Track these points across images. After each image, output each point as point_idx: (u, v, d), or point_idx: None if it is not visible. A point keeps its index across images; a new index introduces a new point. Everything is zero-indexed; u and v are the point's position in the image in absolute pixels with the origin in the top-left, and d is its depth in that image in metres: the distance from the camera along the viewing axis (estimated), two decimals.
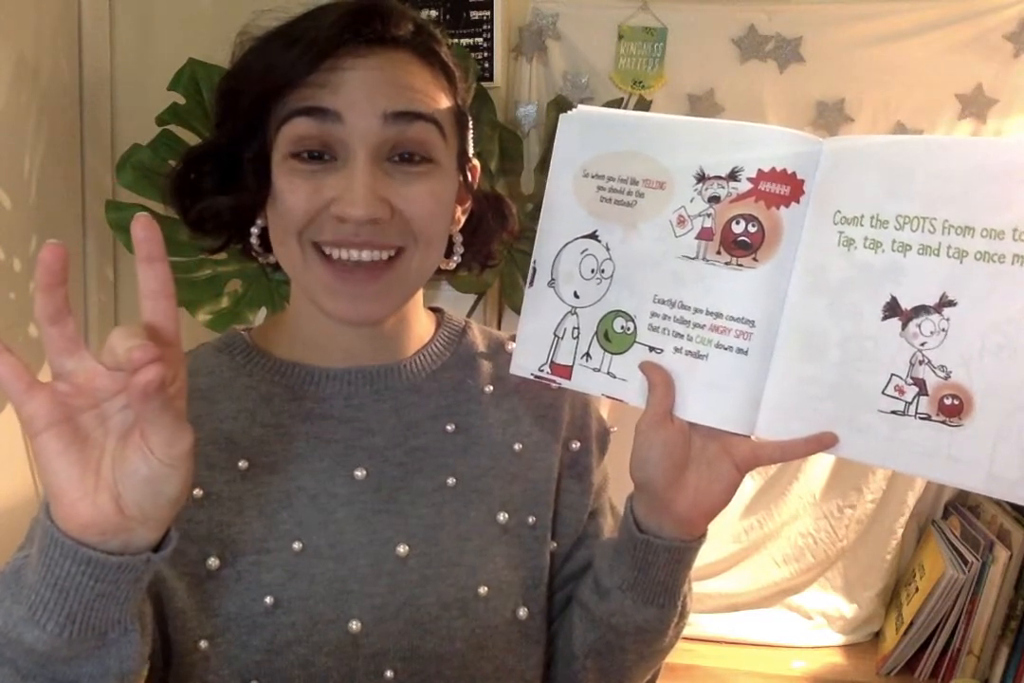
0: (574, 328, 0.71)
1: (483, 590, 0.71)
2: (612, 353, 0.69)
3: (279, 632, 0.67)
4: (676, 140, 0.66)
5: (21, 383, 0.50)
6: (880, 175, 0.60)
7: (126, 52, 1.81)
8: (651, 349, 0.67)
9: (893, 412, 0.60)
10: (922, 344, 0.59)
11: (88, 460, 0.52)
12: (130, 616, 0.56)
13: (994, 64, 1.72)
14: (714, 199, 0.64)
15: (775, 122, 1.76)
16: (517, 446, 0.77)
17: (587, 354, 0.70)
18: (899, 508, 1.82)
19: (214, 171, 0.72)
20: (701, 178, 0.64)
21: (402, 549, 0.70)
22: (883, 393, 0.60)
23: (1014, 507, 1.70)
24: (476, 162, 0.77)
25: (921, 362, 0.59)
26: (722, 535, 1.87)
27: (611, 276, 0.69)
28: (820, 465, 1.86)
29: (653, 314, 0.67)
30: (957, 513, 1.81)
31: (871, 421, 0.60)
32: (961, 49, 1.72)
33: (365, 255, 0.67)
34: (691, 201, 0.65)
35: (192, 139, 1.54)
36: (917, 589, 1.72)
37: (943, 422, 0.58)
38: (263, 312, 1.64)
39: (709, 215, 0.64)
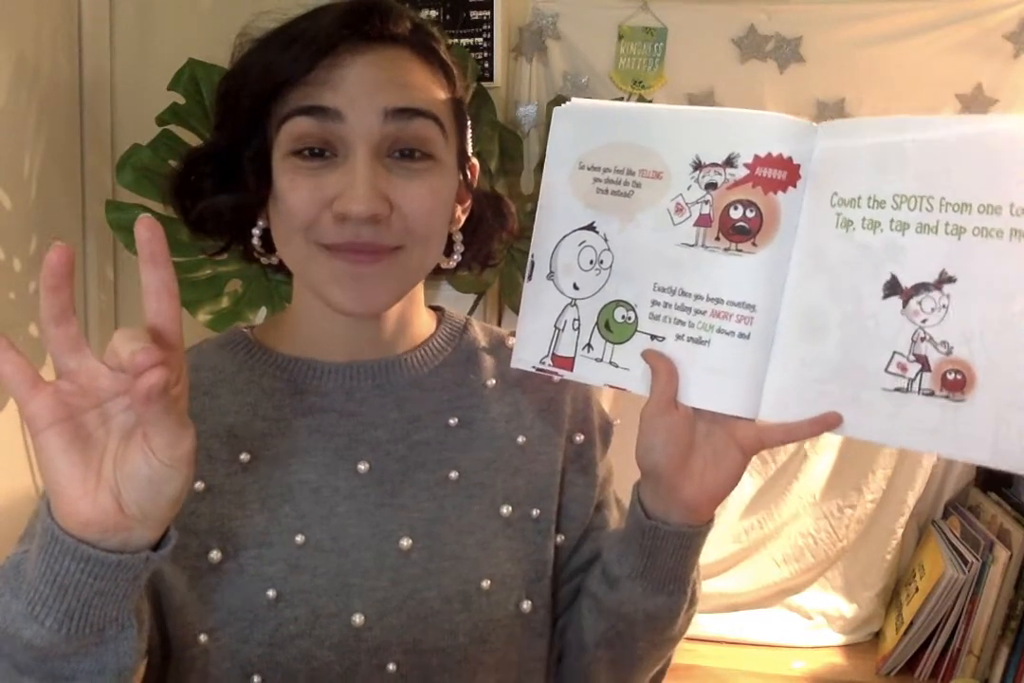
0: (574, 320, 0.71)
1: (486, 583, 0.71)
2: (614, 343, 0.69)
3: (281, 626, 0.67)
4: (671, 129, 0.66)
5: (25, 381, 0.50)
6: (875, 156, 0.60)
7: (126, 52, 1.82)
8: (653, 337, 0.67)
9: (896, 389, 0.60)
10: (923, 321, 0.58)
11: (89, 459, 0.52)
12: (128, 613, 0.56)
13: (994, 64, 1.72)
14: (711, 186, 0.64)
15: None
16: (520, 439, 0.77)
17: (588, 345, 0.70)
18: (899, 508, 1.82)
19: (215, 171, 0.72)
20: (697, 166, 0.65)
21: (405, 543, 0.70)
22: (886, 371, 0.60)
23: (1014, 507, 1.70)
24: (475, 161, 0.77)
25: (923, 339, 0.59)
26: (722, 535, 1.87)
27: (610, 266, 0.69)
28: (820, 465, 1.87)
29: (654, 302, 0.67)
30: (957, 513, 1.81)
31: (875, 399, 0.60)
32: (961, 49, 1.72)
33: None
34: (688, 189, 0.65)
35: (192, 139, 1.54)
36: (917, 589, 1.72)
37: (947, 397, 0.58)
38: (263, 312, 1.64)
39: (707, 202, 0.64)
